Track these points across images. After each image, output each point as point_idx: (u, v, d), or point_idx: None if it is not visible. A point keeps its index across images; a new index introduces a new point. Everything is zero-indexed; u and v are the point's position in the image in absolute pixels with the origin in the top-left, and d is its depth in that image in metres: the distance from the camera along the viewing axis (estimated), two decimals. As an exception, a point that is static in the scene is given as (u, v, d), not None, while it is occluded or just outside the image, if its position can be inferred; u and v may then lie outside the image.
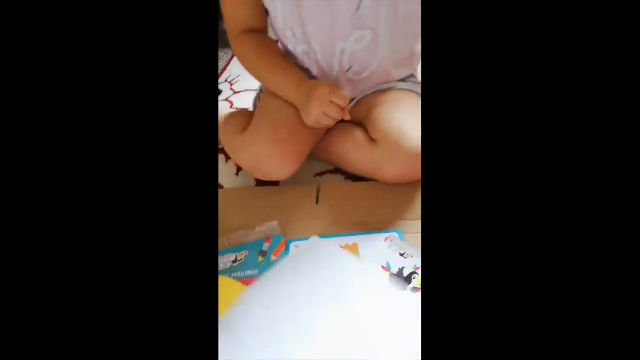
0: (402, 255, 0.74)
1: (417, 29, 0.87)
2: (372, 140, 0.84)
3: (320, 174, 0.95)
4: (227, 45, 0.89)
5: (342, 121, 0.84)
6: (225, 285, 0.70)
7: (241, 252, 0.78)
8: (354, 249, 0.76)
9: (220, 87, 1.39)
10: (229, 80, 1.42)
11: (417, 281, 0.70)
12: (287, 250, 0.77)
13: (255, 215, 0.85)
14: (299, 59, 0.87)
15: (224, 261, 0.76)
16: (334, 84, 0.83)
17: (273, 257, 0.75)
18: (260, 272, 0.73)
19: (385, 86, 0.91)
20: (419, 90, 0.93)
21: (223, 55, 1.56)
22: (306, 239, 0.77)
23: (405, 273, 0.71)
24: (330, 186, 0.91)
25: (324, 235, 0.78)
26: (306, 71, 0.88)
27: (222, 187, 0.96)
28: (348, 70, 0.84)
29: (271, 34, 0.91)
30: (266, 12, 0.84)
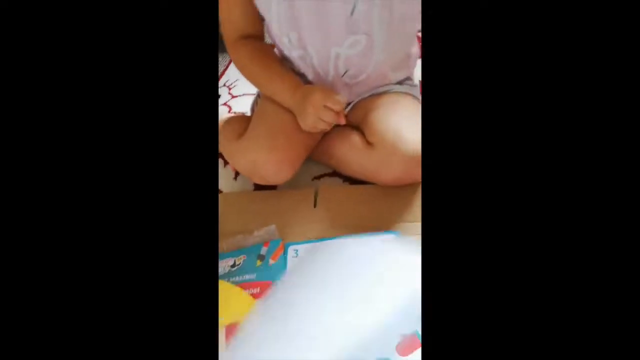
0: (401, 257, 0.74)
1: (412, 32, 0.87)
2: (368, 143, 0.84)
3: (318, 177, 0.95)
4: (225, 49, 0.89)
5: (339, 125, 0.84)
6: (224, 290, 0.69)
7: (239, 257, 0.78)
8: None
9: (219, 91, 1.39)
10: (227, 84, 1.42)
11: (416, 284, 0.70)
12: (285, 253, 0.76)
13: (253, 219, 0.85)
14: (295, 64, 0.87)
15: (223, 265, 0.76)
16: (330, 88, 0.84)
17: (271, 261, 0.75)
18: (259, 276, 0.72)
19: (382, 89, 0.91)
20: (416, 93, 0.93)
21: (221, 60, 1.56)
22: (304, 242, 0.77)
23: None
24: (328, 189, 0.91)
25: (321, 239, 0.78)
26: (302, 76, 0.88)
27: (220, 191, 0.97)
28: (344, 74, 0.85)
29: (268, 40, 0.91)
30: (262, 18, 0.84)
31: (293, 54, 0.84)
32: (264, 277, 0.72)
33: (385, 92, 0.90)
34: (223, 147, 0.95)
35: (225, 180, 0.99)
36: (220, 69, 1.52)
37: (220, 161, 1.03)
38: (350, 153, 0.87)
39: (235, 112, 1.24)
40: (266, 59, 0.87)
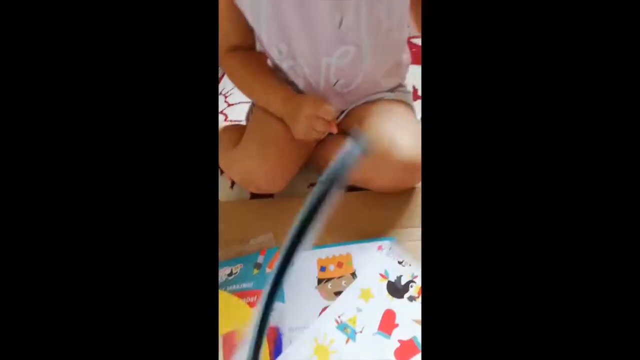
0: (400, 263, 0.74)
1: (402, 39, 0.88)
2: (362, 151, 0.84)
3: (314, 185, 0.95)
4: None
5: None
6: (221, 299, 0.69)
7: (236, 265, 0.78)
8: (347, 259, 0.76)
9: (215, 99, 1.39)
10: (223, 92, 1.42)
11: (414, 290, 0.70)
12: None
13: (250, 227, 0.85)
14: (286, 74, 0.87)
15: (219, 274, 0.76)
16: (322, 97, 0.84)
17: (268, 270, 0.75)
18: (256, 285, 0.73)
19: (375, 97, 0.91)
20: (408, 100, 0.94)
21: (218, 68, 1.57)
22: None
23: (403, 281, 0.71)
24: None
25: (318, 246, 0.78)
26: (294, 85, 0.88)
27: (217, 200, 0.96)
28: (335, 83, 0.85)
29: (260, 48, 0.91)
30: (252, 29, 0.84)
31: (284, 64, 0.85)
32: (261, 285, 0.72)
33: (378, 100, 0.91)
34: (219, 156, 0.95)
35: (221, 189, 1.00)
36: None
37: (217, 170, 1.04)
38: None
39: (231, 121, 1.24)
40: (258, 69, 0.87)
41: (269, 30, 0.79)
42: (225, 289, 0.73)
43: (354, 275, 0.74)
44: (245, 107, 1.07)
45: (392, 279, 0.72)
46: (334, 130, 0.81)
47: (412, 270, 0.73)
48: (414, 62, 0.97)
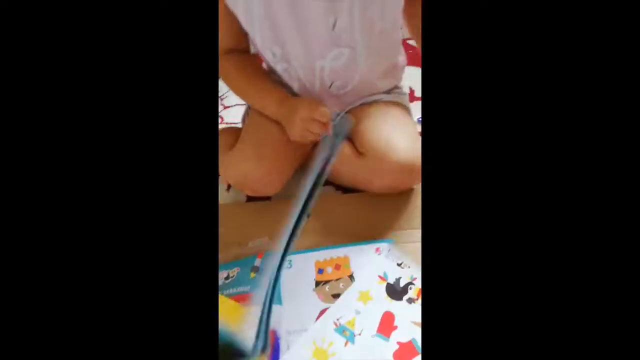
0: (399, 265, 0.74)
1: (396, 41, 0.88)
2: (359, 153, 0.85)
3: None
4: (214, 61, 0.89)
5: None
6: (219, 303, 0.69)
7: (233, 269, 0.77)
8: (345, 261, 0.76)
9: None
10: (219, 95, 1.42)
11: (413, 292, 0.69)
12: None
13: (247, 230, 0.84)
14: (281, 76, 0.87)
15: (217, 278, 0.75)
16: (317, 99, 0.84)
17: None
18: (253, 288, 0.72)
19: (371, 99, 0.91)
20: (405, 101, 0.94)
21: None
22: (298, 252, 0.77)
23: (402, 283, 0.71)
24: (321, 199, 0.90)
25: (315, 249, 0.78)
26: (289, 88, 0.88)
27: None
28: (330, 86, 0.85)
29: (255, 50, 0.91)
30: (246, 32, 0.84)
31: (278, 67, 0.85)
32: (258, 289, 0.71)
33: (374, 102, 0.90)
34: (215, 159, 0.95)
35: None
36: (212, 80, 1.53)
37: (213, 173, 1.03)
38: (341, 163, 0.87)
39: (227, 123, 1.23)
40: (252, 72, 0.87)
41: (263, 33, 0.79)
42: (223, 293, 0.72)
43: (351, 277, 0.74)
44: (241, 110, 1.07)
45: (391, 281, 0.71)
46: (330, 132, 0.81)
47: (411, 272, 0.72)
48: (409, 63, 0.96)
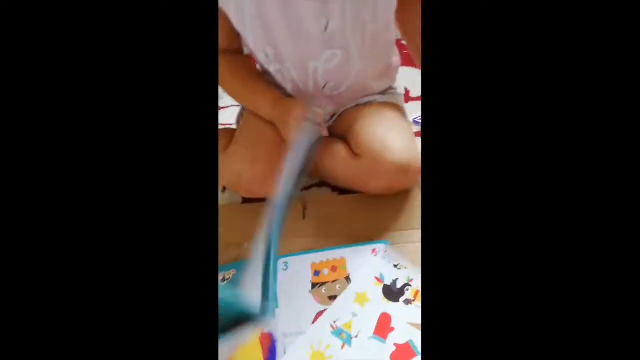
0: (395, 266, 0.73)
1: (389, 42, 0.87)
2: (355, 154, 0.84)
3: (308, 188, 0.95)
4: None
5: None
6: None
7: (229, 271, 0.77)
8: (341, 263, 0.75)
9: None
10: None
11: (410, 293, 0.69)
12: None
13: (242, 232, 0.83)
14: (275, 77, 0.87)
15: (212, 281, 0.75)
16: (312, 100, 0.84)
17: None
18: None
19: (366, 99, 0.91)
20: (400, 102, 0.94)
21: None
22: (294, 254, 0.77)
23: (399, 285, 0.71)
24: (316, 200, 0.90)
25: (311, 250, 0.77)
26: (282, 89, 0.88)
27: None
28: (324, 87, 0.85)
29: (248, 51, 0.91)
30: (238, 33, 0.84)
31: (271, 67, 0.84)
32: (254, 291, 0.71)
33: (369, 102, 0.90)
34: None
35: (213, 194, 0.98)
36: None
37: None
38: (337, 164, 0.87)
39: (221, 124, 1.23)
40: (246, 74, 0.87)
41: (255, 33, 0.78)
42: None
43: (348, 279, 0.73)
44: (236, 111, 1.06)
45: (388, 282, 0.71)
46: (325, 133, 0.81)
47: (407, 274, 0.72)
48: (404, 64, 0.96)
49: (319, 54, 0.79)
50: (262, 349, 0.66)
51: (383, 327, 0.66)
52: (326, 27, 0.75)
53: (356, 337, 0.65)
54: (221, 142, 0.93)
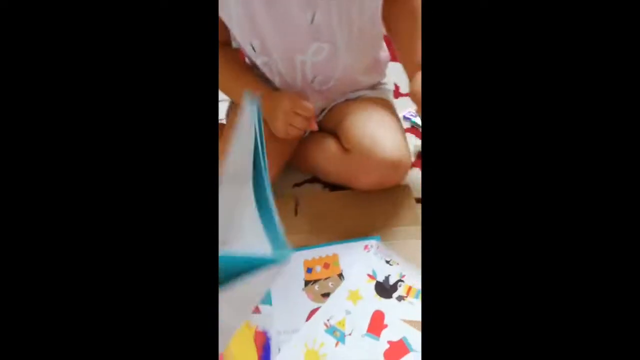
0: (387, 262, 0.74)
1: (377, 37, 0.87)
2: (345, 149, 0.85)
3: (299, 184, 0.95)
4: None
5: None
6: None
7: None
8: (333, 260, 0.76)
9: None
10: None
11: (402, 289, 0.70)
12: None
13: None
14: (262, 70, 0.87)
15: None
16: (301, 94, 0.83)
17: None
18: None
19: (355, 94, 0.91)
20: (389, 97, 0.94)
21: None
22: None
23: (391, 281, 0.71)
24: (308, 197, 0.90)
25: (303, 247, 0.78)
26: (271, 83, 0.87)
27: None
28: (313, 80, 0.84)
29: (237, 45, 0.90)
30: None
31: (258, 60, 0.84)
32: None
33: (359, 97, 0.90)
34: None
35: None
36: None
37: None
38: (327, 160, 0.87)
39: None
40: (234, 67, 0.86)
41: (241, 25, 0.77)
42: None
43: (340, 276, 0.74)
44: (226, 105, 1.06)
45: (380, 279, 0.72)
46: (314, 127, 0.81)
47: (400, 269, 0.73)
48: (394, 59, 0.96)
49: (305, 46, 0.78)
50: (257, 347, 0.66)
51: (376, 324, 0.66)
52: (312, 19, 0.74)
53: (350, 335, 0.65)
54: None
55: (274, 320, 0.69)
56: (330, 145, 0.87)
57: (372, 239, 0.78)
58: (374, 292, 0.70)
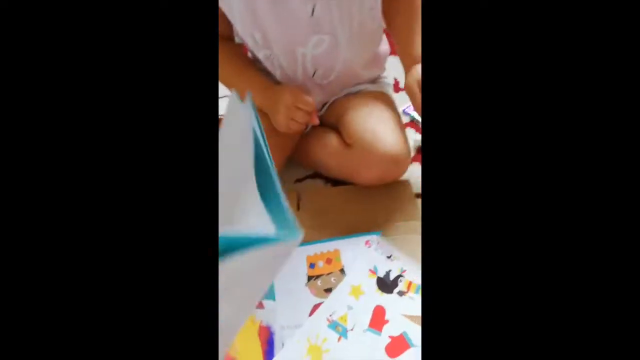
0: (388, 257, 0.75)
1: (377, 30, 0.87)
2: (346, 144, 0.85)
3: (301, 180, 0.95)
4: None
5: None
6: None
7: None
8: (335, 255, 0.77)
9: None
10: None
11: (403, 284, 0.71)
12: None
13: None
14: (264, 64, 0.87)
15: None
16: (302, 88, 0.83)
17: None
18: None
19: (356, 88, 0.91)
20: (390, 91, 0.94)
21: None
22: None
23: (392, 276, 0.72)
24: (310, 192, 0.91)
25: (306, 243, 0.79)
26: (272, 76, 0.87)
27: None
28: (314, 74, 0.85)
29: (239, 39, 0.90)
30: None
31: (260, 54, 0.84)
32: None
33: (359, 92, 0.91)
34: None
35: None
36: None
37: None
38: (329, 155, 0.88)
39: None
40: (236, 60, 0.86)
41: (242, 18, 0.77)
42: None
43: (342, 271, 0.75)
44: (227, 101, 1.06)
45: (381, 274, 0.73)
46: (315, 121, 0.82)
47: (400, 265, 0.74)
48: (393, 53, 0.96)
49: (306, 39, 0.78)
50: (261, 342, 0.68)
51: (378, 319, 0.67)
52: (313, 11, 0.74)
53: (352, 330, 0.67)
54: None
55: (277, 315, 0.70)
56: (332, 140, 0.88)
57: (374, 234, 0.79)
58: (376, 287, 0.71)
